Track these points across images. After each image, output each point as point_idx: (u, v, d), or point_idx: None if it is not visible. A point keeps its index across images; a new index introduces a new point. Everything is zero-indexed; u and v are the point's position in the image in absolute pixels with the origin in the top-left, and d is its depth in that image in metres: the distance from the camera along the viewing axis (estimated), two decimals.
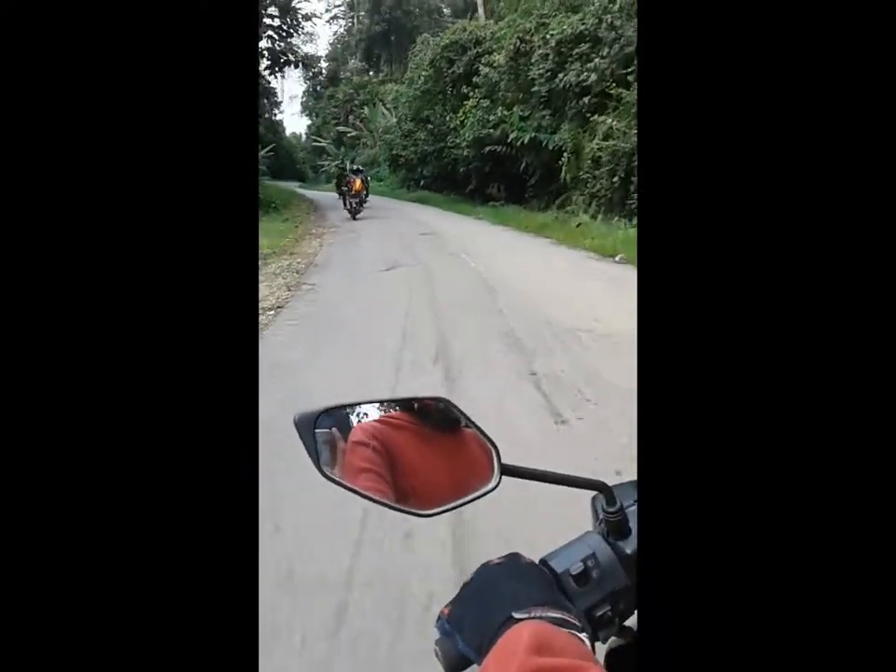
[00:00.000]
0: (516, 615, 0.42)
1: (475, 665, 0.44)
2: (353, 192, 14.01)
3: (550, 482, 0.52)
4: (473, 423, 0.53)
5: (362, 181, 14.32)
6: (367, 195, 15.00)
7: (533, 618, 0.41)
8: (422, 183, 24.38)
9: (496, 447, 0.51)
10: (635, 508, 0.53)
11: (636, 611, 0.52)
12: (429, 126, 22.74)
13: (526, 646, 0.36)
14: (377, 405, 0.54)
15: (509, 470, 0.51)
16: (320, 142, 44.18)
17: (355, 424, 0.52)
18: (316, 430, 0.48)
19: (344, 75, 46.05)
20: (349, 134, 37.61)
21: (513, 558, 0.51)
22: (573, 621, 0.42)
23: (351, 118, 39.49)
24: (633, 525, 0.52)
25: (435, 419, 0.55)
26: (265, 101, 69.77)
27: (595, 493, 0.56)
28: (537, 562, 0.51)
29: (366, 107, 36.52)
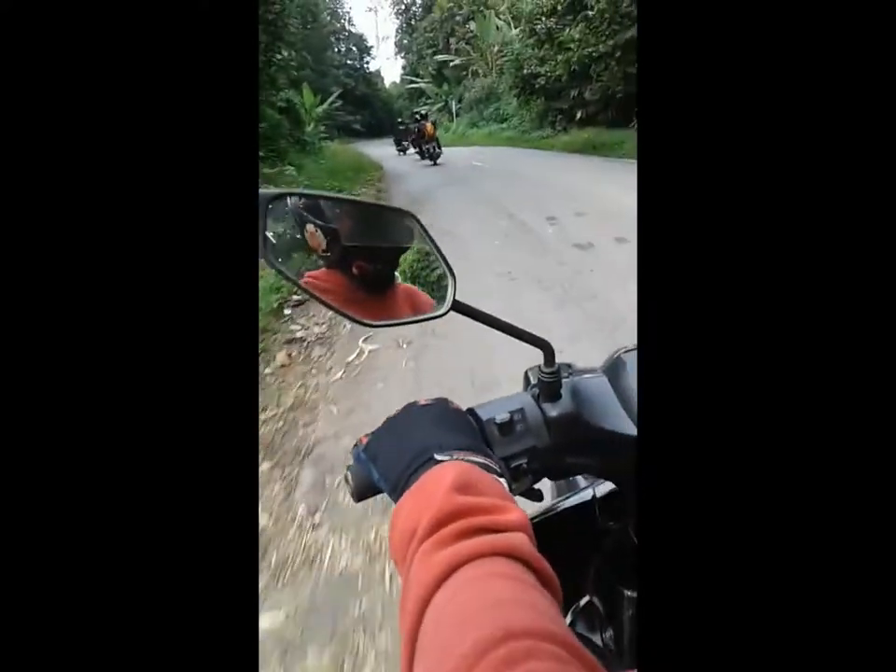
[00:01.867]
0: (438, 456, 0.41)
1: (384, 495, 0.45)
2: (427, 138, 13.43)
3: (497, 328, 0.51)
4: (436, 246, 0.50)
5: (433, 124, 13.72)
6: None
7: (455, 460, 0.41)
8: (581, 115, 14.49)
9: (454, 276, 0.50)
10: (569, 378, 0.54)
11: (545, 478, 0.54)
12: (593, 10, 12.76)
13: (450, 484, 0.36)
14: (341, 203, 0.54)
15: (459, 306, 0.50)
16: (416, 82, 35.14)
17: (316, 218, 0.49)
18: (269, 216, 0.44)
19: None
20: (452, 64, 27.90)
21: (441, 402, 0.50)
22: (494, 466, 0.42)
23: (453, 41, 29.59)
24: (564, 392, 0.53)
25: (370, 276, 0.51)
26: (353, 48, 61.52)
27: (526, 369, 0.56)
28: (464, 409, 0.51)
29: (472, 22, 26.50)
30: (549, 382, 0.53)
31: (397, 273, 0.53)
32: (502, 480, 0.41)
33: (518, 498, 0.46)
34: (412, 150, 15.93)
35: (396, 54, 53.76)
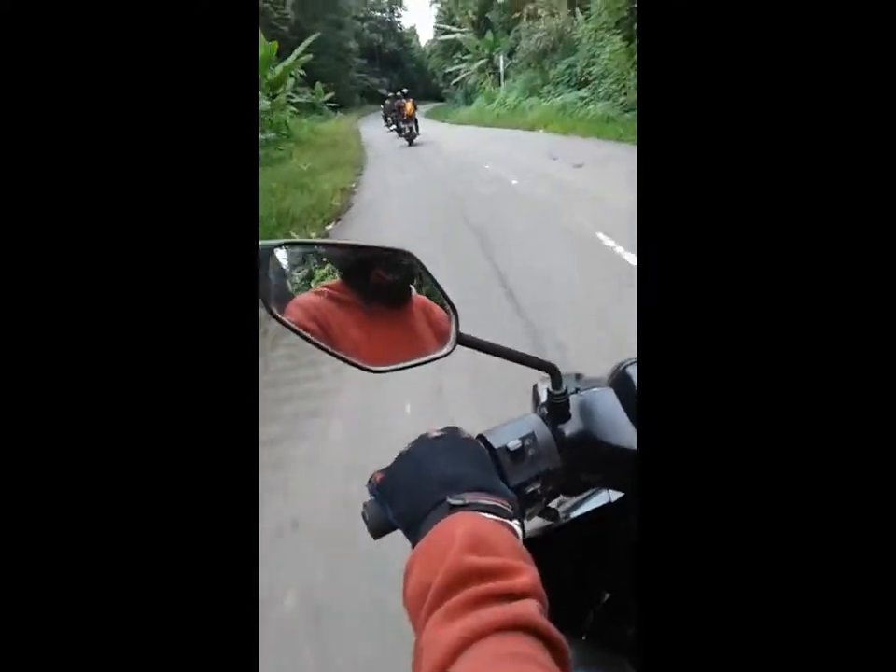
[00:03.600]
0: (451, 500, 0.41)
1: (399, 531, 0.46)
2: (405, 117, 13.34)
3: (504, 357, 0.52)
4: (437, 283, 0.51)
5: (412, 104, 13.53)
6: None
7: (467, 505, 0.41)
8: None
9: (455, 312, 0.50)
10: (577, 395, 0.55)
11: (561, 495, 0.56)
12: None
13: (460, 543, 0.37)
14: (339, 249, 0.56)
15: (464, 340, 0.50)
16: (451, 32, 26.77)
17: (311, 265, 0.52)
18: (271, 265, 0.47)
19: None
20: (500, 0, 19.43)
21: (452, 432, 0.50)
22: (507, 508, 0.42)
23: None
24: (573, 411, 0.54)
25: (386, 287, 0.52)
26: None
27: (536, 383, 0.58)
28: (475, 437, 0.51)
29: None
30: (558, 403, 0.54)
31: (412, 286, 0.53)
32: (515, 523, 0.41)
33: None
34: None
35: (432, 3, 44.87)
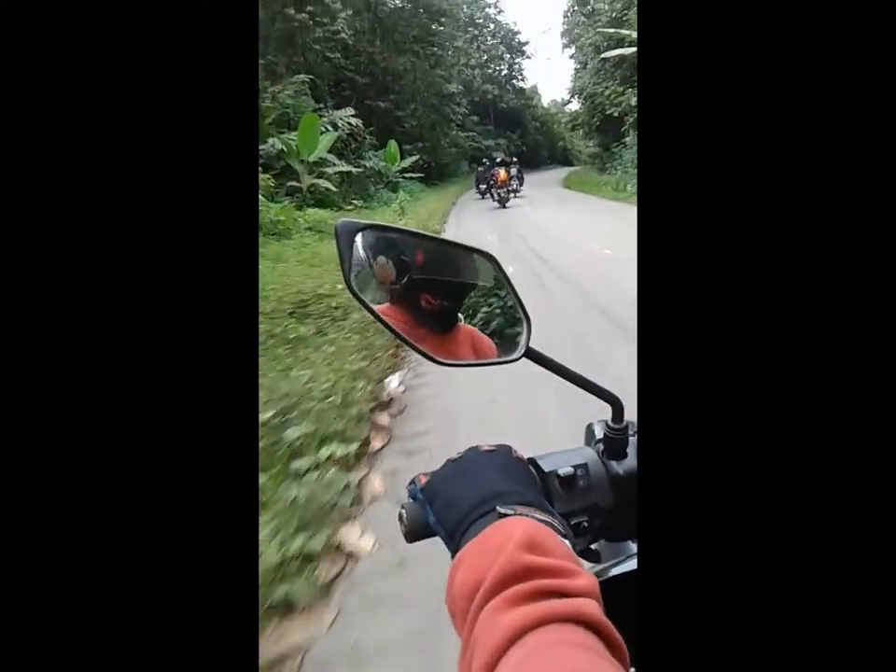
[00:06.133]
0: (501, 509, 0.40)
1: (437, 538, 0.45)
2: (499, 184, 13.96)
3: (567, 378, 0.51)
4: (514, 290, 0.51)
5: (507, 172, 14.14)
6: (521, 185, 15.49)
7: (519, 515, 0.40)
8: None
9: (529, 321, 0.51)
10: (636, 437, 0.52)
11: (604, 540, 0.55)
12: None
13: (518, 541, 0.36)
14: (422, 240, 0.54)
15: (533, 353, 0.51)
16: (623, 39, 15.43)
17: (393, 252, 0.51)
18: (356, 243, 0.48)
19: None
20: None
21: (504, 449, 0.49)
22: (558, 525, 0.41)
23: None
24: (630, 450, 0.52)
25: (434, 312, 0.52)
26: (500, 45, 42.50)
27: (590, 423, 0.56)
28: (526, 459, 0.51)
29: None
30: (616, 438, 0.52)
31: (460, 315, 0.54)
32: (566, 541, 0.40)
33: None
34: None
35: (564, 47, 34.45)
